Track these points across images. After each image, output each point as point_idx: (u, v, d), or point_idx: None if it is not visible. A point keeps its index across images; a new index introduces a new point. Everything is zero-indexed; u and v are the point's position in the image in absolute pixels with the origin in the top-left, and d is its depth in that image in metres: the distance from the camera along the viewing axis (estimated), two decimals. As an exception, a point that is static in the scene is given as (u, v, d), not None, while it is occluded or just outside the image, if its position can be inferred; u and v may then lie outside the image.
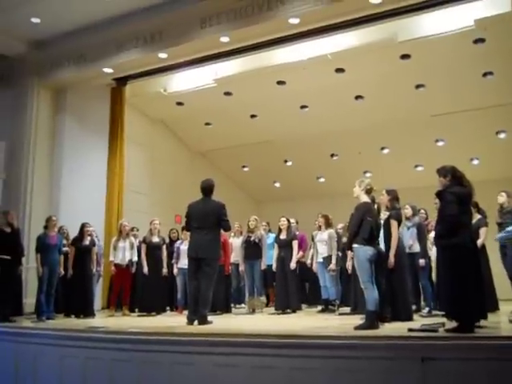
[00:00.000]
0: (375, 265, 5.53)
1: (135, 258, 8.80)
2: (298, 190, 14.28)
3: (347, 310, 7.75)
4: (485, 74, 10.21)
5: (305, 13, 8.34)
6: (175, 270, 8.72)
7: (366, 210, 5.55)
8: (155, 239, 8.85)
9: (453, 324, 4.64)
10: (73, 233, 8.84)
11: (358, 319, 5.66)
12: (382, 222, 6.16)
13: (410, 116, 11.53)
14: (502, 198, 7.17)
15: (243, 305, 9.37)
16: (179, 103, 12.39)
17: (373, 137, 12.28)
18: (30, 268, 8.87)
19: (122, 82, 11.27)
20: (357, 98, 11.48)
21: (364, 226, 5.44)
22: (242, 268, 8.74)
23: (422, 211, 7.71)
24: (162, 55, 9.86)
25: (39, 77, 10.82)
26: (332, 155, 13.55)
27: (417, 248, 7.08)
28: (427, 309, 6.95)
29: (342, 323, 6.14)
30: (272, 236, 9.09)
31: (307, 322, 6.92)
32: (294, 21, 8.56)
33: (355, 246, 5.47)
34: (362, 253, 5.42)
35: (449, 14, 8.87)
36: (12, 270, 7.65)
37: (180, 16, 9.27)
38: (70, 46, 10.37)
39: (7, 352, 6.27)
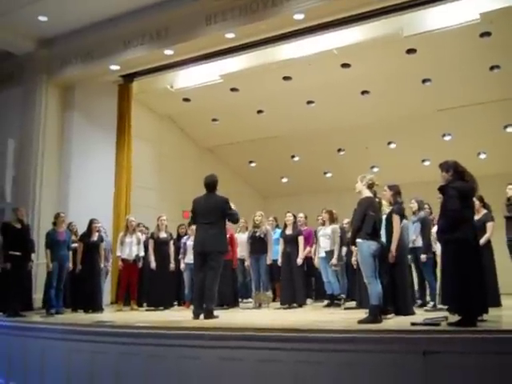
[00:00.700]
0: (379, 259, 5.56)
1: (142, 253, 8.93)
2: (305, 186, 14.25)
3: (353, 304, 7.76)
4: (491, 68, 10.14)
5: (309, 8, 8.35)
6: (182, 266, 8.84)
7: (369, 204, 5.56)
8: (162, 235, 8.97)
9: (455, 318, 4.67)
10: (82, 228, 8.93)
11: (363, 313, 5.67)
12: (385, 216, 6.17)
13: (416, 110, 11.49)
14: (511, 191, 7.10)
15: (250, 299, 9.43)
16: (186, 99, 12.42)
17: (379, 131, 12.24)
18: (40, 264, 8.98)
19: (128, 78, 11.34)
20: (363, 93, 11.46)
21: (367, 220, 5.46)
22: (247, 263, 8.81)
23: (426, 206, 7.64)
24: (168, 52, 9.91)
25: (47, 75, 10.93)
26: (339, 150, 13.50)
27: (420, 243, 7.07)
28: (432, 303, 6.95)
29: (346, 317, 6.15)
30: (278, 231, 9.14)
31: (312, 316, 6.95)
32: (299, 16, 8.57)
33: (359, 240, 5.49)
34: (365, 247, 5.45)
35: (454, 8, 8.81)
36: (22, 266, 7.79)
37: (185, 13, 9.31)
38: (77, 43, 10.47)
39: (16, 346, 6.39)
